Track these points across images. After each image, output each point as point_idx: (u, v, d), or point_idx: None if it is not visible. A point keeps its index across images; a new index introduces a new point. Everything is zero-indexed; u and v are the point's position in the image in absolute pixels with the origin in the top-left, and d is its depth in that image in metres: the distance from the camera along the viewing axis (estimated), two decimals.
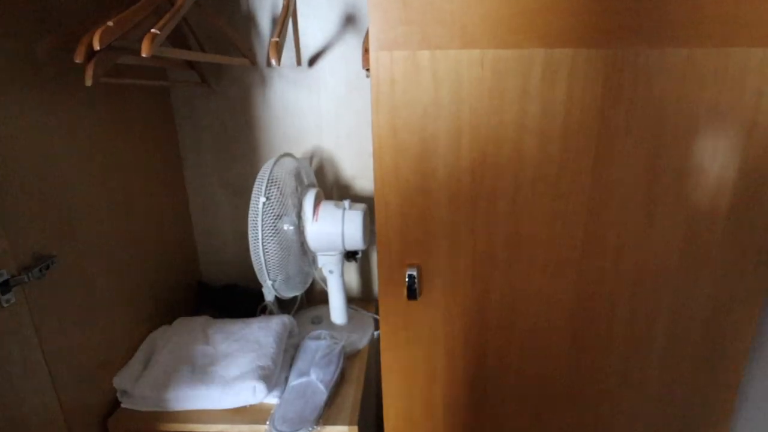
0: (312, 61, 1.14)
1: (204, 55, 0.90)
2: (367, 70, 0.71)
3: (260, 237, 0.95)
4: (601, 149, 0.65)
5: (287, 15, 0.86)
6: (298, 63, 1.13)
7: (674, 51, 0.60)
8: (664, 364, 0.78)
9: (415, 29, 0.62)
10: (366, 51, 0.70)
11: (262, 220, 0.95)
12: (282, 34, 0.83)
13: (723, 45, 0.59)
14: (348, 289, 1.33)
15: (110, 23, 0.68)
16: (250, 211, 0.96)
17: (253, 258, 0.98)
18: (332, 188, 1.25)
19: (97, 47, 0.67)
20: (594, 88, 0.62)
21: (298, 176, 1.08)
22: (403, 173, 0.70)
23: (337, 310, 1.14)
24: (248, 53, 1.06)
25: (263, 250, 0.96)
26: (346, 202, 1.04)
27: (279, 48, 0.79)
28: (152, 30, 0.67)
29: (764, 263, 0.69)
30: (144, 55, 0.66)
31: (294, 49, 1.11)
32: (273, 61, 0.78)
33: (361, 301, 1.33)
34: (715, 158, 0.64)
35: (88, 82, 0.71)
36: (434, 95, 0.65)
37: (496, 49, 0.62)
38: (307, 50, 1.13)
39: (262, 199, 0.94)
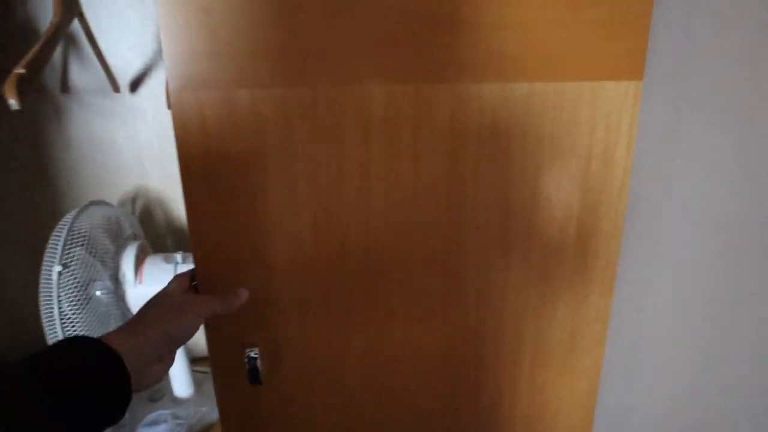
0: (134, 87, 0.95)
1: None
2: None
3: (57, 314, 0.74)
4: (453, 189, 0.61)
5: (52, 37, 0.68)
6: (116, 90, 0.93)
7: (515, 86, 0.58)
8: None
9: (228, 64, 0.51)
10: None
11: (60, 293, 0.74)
12: (37, 62, 0.65)
13: (558, 79, 0.59)
14: (194, 348, 1.15)
15: None
16: (42, 284, 0.75)
17: (48, 335, 0.76)
18: (165, 235, 1.06)
19: None
20: (441, 125, 0.58)
21: (113, 228, 0.88)
22: (228, 241, 0.58)
23: (179, 380, 0.96)
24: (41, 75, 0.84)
25: (63, 330, 0.75)
26: (179, 255, 0.87)
27: (23, 83, 0.62)
28: None
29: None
30: None
31: (103, 73, 0.91)
32: (12, 102, 0.60)
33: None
34: (560, 191, 0.64)
35: None
36: (259, 144, 0.55)
37: (329, 86, 0.54)
38: (120, 75, 0.94)
39: (57, 268, 0.74)
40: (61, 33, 0.75)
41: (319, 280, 0.63)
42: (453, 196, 0.63)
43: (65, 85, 0.92)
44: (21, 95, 0.64)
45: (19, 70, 0.65)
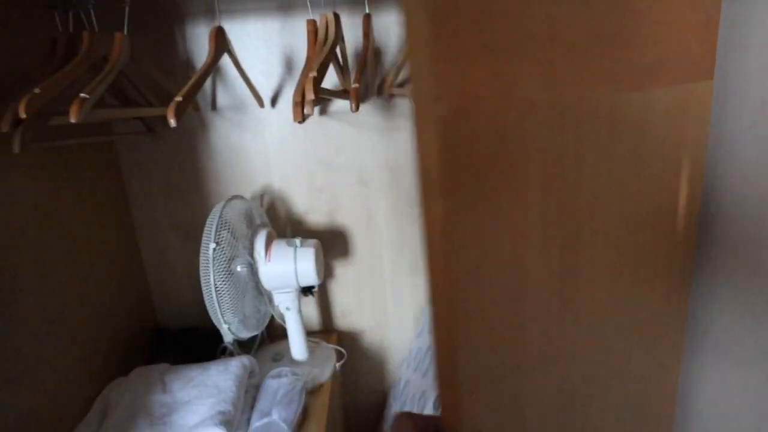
0: (273, 102, 1.17)
1: (143, 110, 0.92)
2: (299, 122, 0.74)
3: (212, 282, 0.95)
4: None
5: (204, 73, 0.87)
6: (261, 106, 1.15)
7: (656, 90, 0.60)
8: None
9: None
10: (296, 104, 0.73)
11: (214, 266, 0.96)
12: (191, 92, 0.82)
13: (677, 82, 0.61)
14: (308, 323, 1.34)
15: (37, 90, 0.69)
16: (201, 258, 0.97)
17: (207, 303, 0.98)
18: (285, 225, 1.27)
19: (22, 116, 0.67)
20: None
21: (248, 217, 1.09)
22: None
23: (297, 345, 1.15)
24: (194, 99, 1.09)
25: (216, 294, 0.96)
26: (298, 240, 1.06)
27: (180, 107, 0.78)
28: (81, 95, 0.69)
29: None
30: (72, 120, 0.67)
31: (241, 95, 1.14)
32: (171, 121, 0.75)
33: (322, 333, 1.35)
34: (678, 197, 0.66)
35: (16, 150, 0.71)
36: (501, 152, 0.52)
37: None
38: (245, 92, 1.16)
39: (212, 245, 0.95)
40: (212, 69, 0.96)
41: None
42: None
43: (214, 104, 1.16)
44: (177, 116, 0.80)
45: (178, 98, 0.81)
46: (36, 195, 0.89)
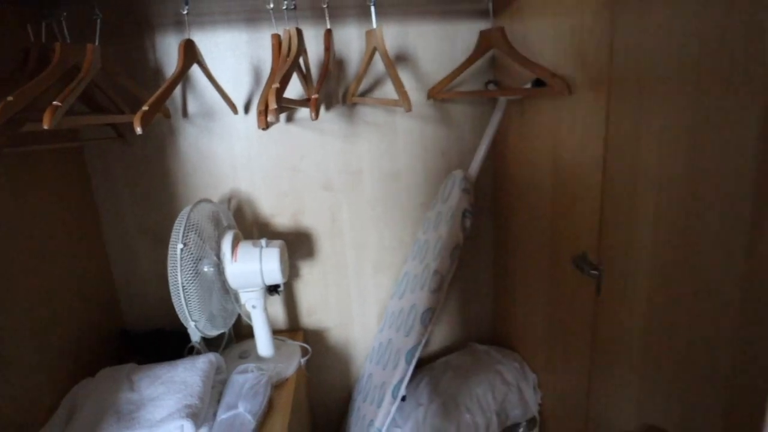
0: (245, 110, 1.22)
1: (112, 117, 0.96)
2: (263, 129, 0.80)
3: (180, 282, 1.00)
4: None
5: (172, 83, 0.91)
6: (235, 112, 1.19)
7: None
8: None
9: None
10: (260, 113, 0.79)
11: (181, 266, 1.00)
12: (159, 101, 0.85)
13: None
14: (274, 321, 1.39)
15: (10, 98, 0.72)
16: (169, 258, 1.01)
17: (175, 302, 1.02)
18: (252, 227, 1.32)
19: None
20: None
21: (215, 219, 1.14)
22: None
23: (262, 342, 1.20)
24: (162, 108, 1.13)
25: (184, 293, 1.01)
26: (263, 241, 1.11)
27: (146, 116, 0.82)
28: (54, 102, 0.73)
29: None
30: (45, 127, 0.71)
31: (210, 103, 1.19)
32: (137, 129, 0.81)
33: (288, 331, 1.40)
34: None
35: None
36: None
37: None
38: (220, 100, 1.21)
39: (180, 246, 1.00)
40: (180, 79, 0.98)
41: None
42: None
43: (185, 112, 1.21)
44: (143, 125, 0.83)
45: (145, 107, 0.85)
46: (3, 198, 0.91)
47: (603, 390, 0.95)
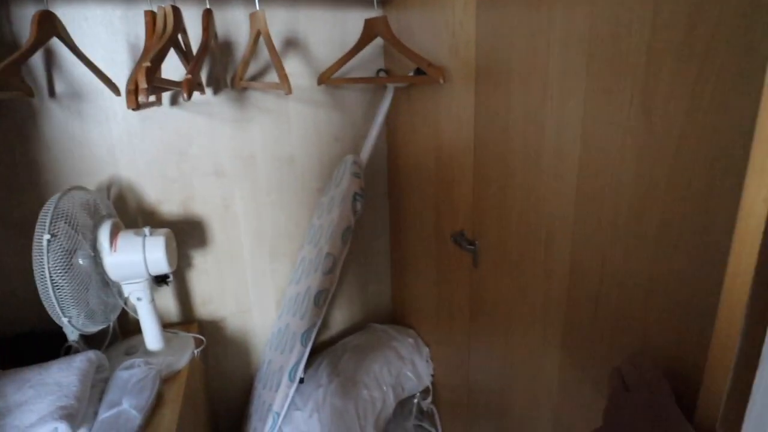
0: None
1: None
2: (133, 109, 0.76)
3: (48, 275, 0.92)
4: None
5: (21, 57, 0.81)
6: (117, 94, 1.07)
7: None
8: None
9: None
10: (130, 92, 0.75)
11: (50, 258, 0.93)
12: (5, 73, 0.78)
13: None
14: (166, 314, 1.33)
15: None
16: (34, 250, 0.93)
17: (43, 298, 0.94)
18: (136, 216, 1.24)
19: None
20: None
21: (91, 208, 1.06)
22: None
23: (150, 336, 1.14)
24: (21, 86, 1.02)
25: (54, 289, 0.93)
26: (147, 229, 1.06)
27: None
28: None
29: None
30: None
31: (77, 81, 1.09)
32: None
33: (181, 324, 1.34)
34: None
35: None
36: None
37: None
38: (93, 82, 1.12)
39: (46, 236, 0.92)
40: (29, 54, 0.87)
41: None
42: None
43: (51, 91, 1.10)
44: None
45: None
46: None
47: (479, 355, 1.05)
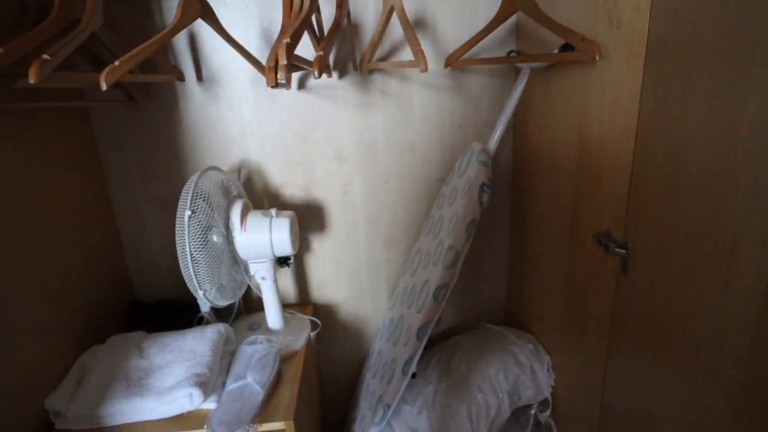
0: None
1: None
2: (272, 86, 0.76)
3: (188, 249, 0.97)
4: None
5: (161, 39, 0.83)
6: (264, 73, 1.10)
7: None
8: None
9: None
10: (270, 68, 0.74)
11: (190, 233, 0.98)
12: (133, 59, 0.78)
13: None
14: (285, 295, 1.37)
15: (0, 50, 0.68)
16: (177, 225, 0.99)
17: (183, 270, 1.00)
18: (262, 197, 1.28)
19: None
20: None
21: (224, 188, 1.11)
22: None
23: (272, 315, 1.18)
24: (174, 70, 1.09)
25: (192, 262, 0.98)
26: (273, 211, 1.08)
27: (111, 73, 0.74)
28: (43, 56, 0.68)
29: None
30: (31, 81, 0.66)
31: (213, 67, 1.14)
32: (102, 85, 0.73)
33: (298, 305, 1.38)
34: None
35: None
36: None
37: None
38: (228, 66, 1.16)
39: (188, 213, 0.97)
40: (170, 36, 0.85)
41: None
42: None
43: (199, 75, 1.17)
44: (108, 81, 0.73)
45: (115, 63, 0.74)
46: (6, 162, 0.89)
47: (620, 374, 0.92)
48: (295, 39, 0.76)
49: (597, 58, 0.84)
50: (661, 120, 0.73)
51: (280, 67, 0.72)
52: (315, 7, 0.91)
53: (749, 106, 0.58)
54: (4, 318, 0.85)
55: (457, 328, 1.49)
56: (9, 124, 0.90)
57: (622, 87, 0.82)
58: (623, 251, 0.84)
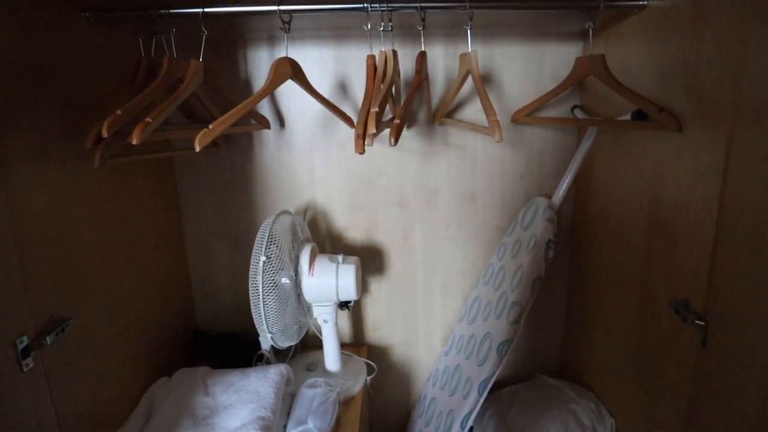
0: None
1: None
2: (360, 153, 0.79)
3: (261, 293, 1.01)
4: None
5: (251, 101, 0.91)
6: (351, 125, 1.15)
7: None
8: None
9: None
10: (359, 136, 0.78)
11: (263, 278, 1.02)
12: (225, 122, 0.85)
13: None
14: (341, 334, 1.39)
15: (119, 111, 0.76)
16: (251, 269, 1.03)
17: (254, 312, 1.04)
18: (325, 239, 1.32)
19: (105, 135, 0.74)
20: None
21: (293, 231, 1.15)
22: None
23: (331, 357, 1.20)
24: (263, 119, 1.16)
25: (263, 305, 1.02)
26: (340, 257, 1.11)
27: (205, 136, 0.81)
28: (146, 119, 0.75)
29: None
30: (134, 143, 0.73)
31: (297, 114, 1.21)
32: (196, 146, 0.79)
33: (352, 345, 1.40)
34: None
35: (96, 165, 0.78)
36: None
37: None
38: (303, 114, 1.22)
39: (263, 258, 1.01)
40: (260, 99, 0.92)
41: None
42: None
43: (282, 123, 1.24)
44: (201, 143, 0.81)
45: (210, 126, 0.82)
46: (99, 204, 0.96)
47: None
48: (382, 108, 0.81)
49: (679, 130, 0.84)
50: (749, 191, 0.72)
51: (368, 135, 0.76)
52: (397, 73, 0.95)
53: None
54: (93, 348, 0.90)
55: (510, 376, 1.46)
56: (115, 170, 0.98)
57: (703, 155, 0.82)
58: (701, 323, 0.82)
